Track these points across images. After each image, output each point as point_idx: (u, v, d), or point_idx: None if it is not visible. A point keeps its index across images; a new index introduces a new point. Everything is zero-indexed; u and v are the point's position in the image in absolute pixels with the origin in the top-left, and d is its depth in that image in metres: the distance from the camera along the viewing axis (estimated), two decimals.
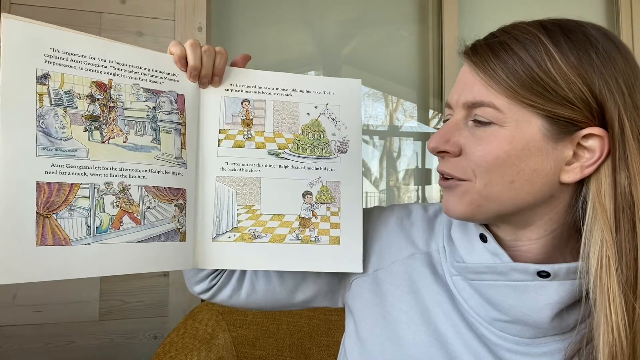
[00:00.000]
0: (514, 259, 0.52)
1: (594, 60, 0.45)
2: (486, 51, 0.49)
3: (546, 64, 0.45)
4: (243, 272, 0.65)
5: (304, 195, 0.60)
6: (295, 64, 1.61)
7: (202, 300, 1.33)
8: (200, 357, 1.03)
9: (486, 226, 0.54)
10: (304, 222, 0.59)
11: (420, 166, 1.77)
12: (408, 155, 1.77)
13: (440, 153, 0.53)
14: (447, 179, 0.53)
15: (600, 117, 0.46)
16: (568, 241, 0.52)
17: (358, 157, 0.62)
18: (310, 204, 0.60)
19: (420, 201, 1.77)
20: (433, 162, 1.76)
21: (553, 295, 0.48)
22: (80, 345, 1.28)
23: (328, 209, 0.60)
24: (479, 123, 0.49)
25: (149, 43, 1.35)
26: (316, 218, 0.60)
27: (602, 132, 0.46)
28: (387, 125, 1.75)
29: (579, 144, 0.47)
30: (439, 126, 1.75)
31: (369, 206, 0.69)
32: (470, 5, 1.74)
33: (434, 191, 1.76)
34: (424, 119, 1.77)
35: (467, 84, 0.50)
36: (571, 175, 0.47)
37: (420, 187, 1.77)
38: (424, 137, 1.77)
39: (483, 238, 0.53)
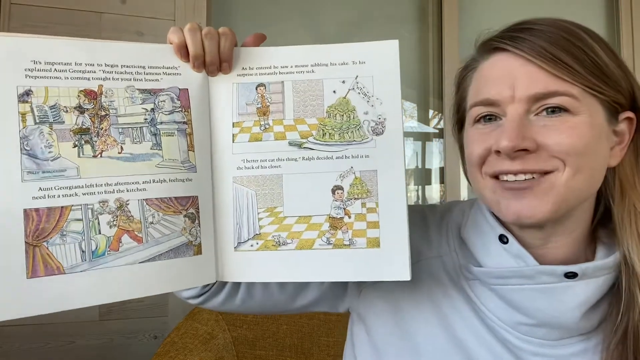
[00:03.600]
0: (538, 260, 0.50)
1: (614, 51, 0.50)
2: (539, 41, 0.47)
3: (602, 56, 0.48)
4: None
5: (333, 191, 0.51)
6: None
7: None
8: (200, 357, 1.03)
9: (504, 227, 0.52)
10: (335, 223, 0.51)
11: (420, 166, 1.76)
12: (408, 155, 1.77)
13: (518, 152, 0.47)
14: (521, 180, 0.48)
15: (631, 102, 0.50)
16: (587, 241, 0.53)
17: (398, 138, 0.51)
18: (342, 201, 0.51)
19: (420, 201, 1.77)
20: (433, 162, 1.76)
21: (580, 295, 0.48)
22: (80, 345, 1.28)
23: (363, 205, 0.51)
24: (551, 113, 0.47)
25: (149, 43, 1.35)
26: (349, 217, 0.51)
27: (631, 115, 0.50)
28: None
29: (616, 128, 0.50)
30: (439, 126, 1.75)
31: None
32: (470, 5, 1.74)
33: (434, 191, 1.76)
34: (424, 119, 1.76)
35: (524, 76, 0.47)
36: (615, 159, 0.50)
37: (420, 187, 1.77)
38: (424, 137, 1.77)
39: (502, 239, 0.51)
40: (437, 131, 1.75)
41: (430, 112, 1.76)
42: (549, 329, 0.50)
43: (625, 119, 0.50)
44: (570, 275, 0.48)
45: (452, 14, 1.68)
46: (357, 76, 0.53)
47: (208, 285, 0.58)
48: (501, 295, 0.51)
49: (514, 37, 0.49)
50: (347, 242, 0.50)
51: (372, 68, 0.53)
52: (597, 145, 0.48)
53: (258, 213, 0.51)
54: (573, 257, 0.52)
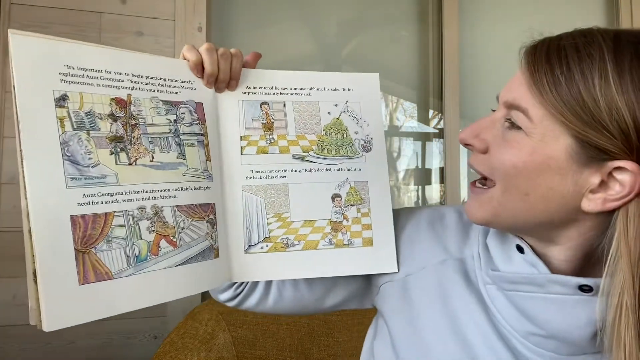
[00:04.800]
0: (551, 271, 0.48)
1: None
2: (542, 54, 0.45)
3: (594, 82, 0.41)
4: (269, 280, 0.63)
5: (333, 198, 0.58)
6: (295, 64, 1.61)
7: (202, 300, 1.33)
8: (200, 357, 1.03)
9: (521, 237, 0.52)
10: (335, 226, 0.58)
11: (420, 166, 1.77)
12: (408, 155, 1.77)
13: (467, 146, 0.51)
14: (476, 186, 0.51)
15: (639, 153, 0.41)
16: (603, 261, 0.48)
17: (383, 155, 0.60)
18: (341, 207, 0.58)
19: (420, 201, 1.77)
20: (433, 162, 1.76)
21: (594, 312, 0.45)
22: (80, 345, 1.28)
23: (358, 210, 0.58)
24: (511, 126, 0.46)
25: (149, 43, 1.35)
26: (347, 221, 0.58)
27: (635, 168, 0.41)
28: (387, 125, 1.75)
29: (610, 174, 0.42)
30: (439, 126, 1.75)
31: None
32: (471, 5, 1.74)
33: (434, 191, 1.76)
34: (424, 119, 1.77)
35: (514, 83, 0.47)
36: (591, 204, 0.43)
37: (420, 187, 1.77)
38: (424, 137, 1.77)
39: (519, 249, 0.50)
40: (437, 131, 1.75)
41: (430, 112, 1.76)
42: (560, 343, 0.48)
43: (622, 169, 0.42)
44: (586, 290, 0.46)
45: (452, 14, 1.68)
46: (347, 101, 0.61)
47: (241, 286, 0.63)
48: (513, 302, 0.50)
49: (536, 46, 0.47)
50: (347, 242, 0.58)
51: (358, 95, 0.61)
52: (539, 172, 0.44)
53: (267, 218, 0.56)
54: (587, 274, 0.48)
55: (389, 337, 0.58)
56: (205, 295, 1.36)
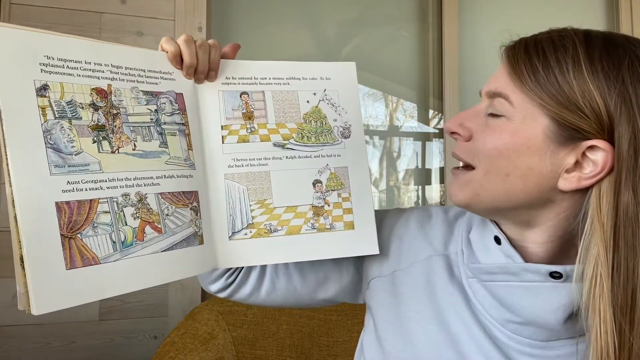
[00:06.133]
0: (526, 259, 0.51)
1: (624, 76, 0.44)
2: (520, 47, 0.49)
3: (567, 68, 0.45)
4: (263, 271, 0.64)
5: (314, 184, 0.60)
6: None
7: (202, 300, 1.33)
8: (200, 357, 1.03)
9: (499, 227, 0.54)
10: (317, 211, 0.59)
11: (420, 166, 1.77)
12: (408, 155, 1.77)
13: (452, 134, 0.53)
14: (457, 168, 0.55)
15: (610, 132, 0.44)
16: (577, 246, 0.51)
17: (361, 141, 0.62)
18: (322, 192, 0.60)
19: (420, 201, 1.77)
20: (433, 162, 1.76)
21: (564, 297, 0.48)
22: (80, 345, 1.28)
23: (339, 195, 0.60)
24: (493, 114, 0.50)
25: (149, 43, 1.35)
26: (329, 206, 0.59)
27: (607, 147, 0.44)
28: (387, 125, 1.75)
29: (584, 154, 0.46)
30: (439, 126, 1.75)
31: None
32: (471, 5, 1.74)
33: (434, 191, 1.76)
34: (424, 119, 1.77)
35: (496, 75, 0.51)
36: (567, 183, 0.47)
37: (420, 187, 1.77)
38: (424, 137, 1.77)
39: (497, 240, 0.53)
40: (437, 131, 1.75)
41: (430, 112, 1.76)
42: (536, 329, 0.51)
43: (595, 148, 0.45)
44: (557, 276, 0.48)
45: (452, 14, 1.68)
46: (325, 89, 0.62)
47: (232, 276, 0.64)
48: (491, 292, 0.53)
49: (517, 41, 0.51)
50: (329, 227, 0.59)
51: (336, 83, 0.63)
52: (520, 153, 0.47)
53: (250, 205, 0.58)
54: (562, 261, 0.51)
55: (374, 331, 0.61)
56: (205, 295, 1.36)
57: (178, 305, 1.33)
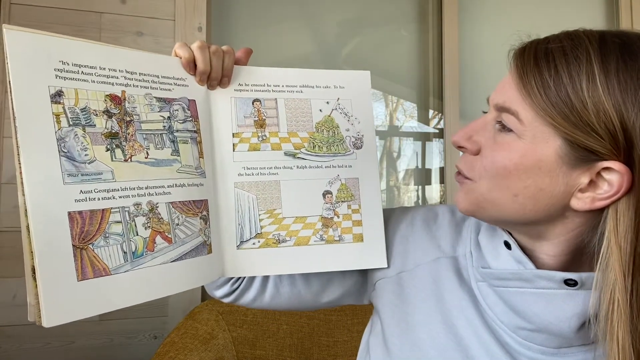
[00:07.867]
0: (537, 266, 0.50)
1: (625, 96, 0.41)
2: (530, 57, 0.45)
3: (581, 85, 0.42)
4: (266, 276, 0.64)
5: (324, 195, 0.59)
6: (295, 64, 1.61)
7: (202, 300, 1.33)
8: (200, 357, 1.03)
9: (509, 233, 0.53)
10: (326, 222, 0.58)
11: (420, 166, 1.77)
12: (408, 155, 1.77)
13: (460, 148, 0.52)
14: (458, 174, 0.53)
15: (626, 153, 0.42)
16: (593, 255, 0.48)
17: (374, 152, 0.61)
18: (331, 203, 0.59)
19: (420, 201, 1.77)
20: (433, 162, 1.76)
21: (579, 305, 0.47)
22: (80, 345, 1.28)
23: (349, 206, 0.59)
24: (502, 128, 0.47)
25: (149, 43, 1.35)
26: (338, 217, 0.59)
27: (622, 169, 0.41)
28: (387, 125, 1.75)
29: (599, 174, 0.43)
30: (439, 126, 1.75)
31: None
32: (471, 5, 1.74)
33: (434, 191, 1.76)
34: (424, 119, 1.77)
35: (504, 86, 0.48)
36: (580, 203, 0.44)
37: (420, 187, 1.77)
38: (424, 137, 1.77)
39: (507, 245, 0.52)
40: (437, 131, 1.75)
41: (430, 112, 1.76)
42: (548, 336, 0.50)
43: (611, 170, 0.42)
44: (572, 284, 0.47)
45: (452, 14, 1.68)
46: (338, 98, 0.61)
47: (237, 282, 0.63)
48: (503, 298, 0.52)
49: (524, 48, 0.47)
50: (337, 238, 0.59)
51: (350, 92, 0.61)
52: (530, 174, 0.45)
53: (259, 215, 0.57)
54: (575, 269, 0.50)
55: (382, 333, 0.60)
56: (205, 295, 1.36)
57: (178, 305, 1.33)
